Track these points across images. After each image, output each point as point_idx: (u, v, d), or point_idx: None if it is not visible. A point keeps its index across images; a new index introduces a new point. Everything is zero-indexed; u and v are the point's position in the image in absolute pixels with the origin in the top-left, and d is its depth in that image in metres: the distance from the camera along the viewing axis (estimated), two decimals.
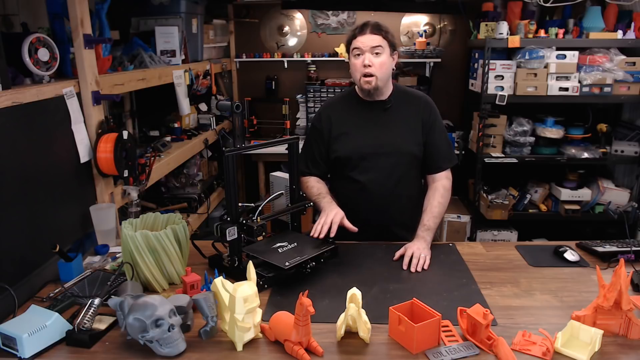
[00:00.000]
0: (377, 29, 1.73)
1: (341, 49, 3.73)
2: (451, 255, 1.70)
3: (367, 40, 1.72)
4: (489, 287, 1.47)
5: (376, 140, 1.81)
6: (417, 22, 3.84)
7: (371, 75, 1.73)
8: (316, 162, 1.89)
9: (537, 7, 3.20)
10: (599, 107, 3.35)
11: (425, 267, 1.60)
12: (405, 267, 1.60)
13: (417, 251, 1.63)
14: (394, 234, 1.85)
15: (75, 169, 1.73)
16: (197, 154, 3.01)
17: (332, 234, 1.62)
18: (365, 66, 1.72)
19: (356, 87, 1.87)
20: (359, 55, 1.74)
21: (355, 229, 1.68)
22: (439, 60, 3.70)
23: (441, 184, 1.84)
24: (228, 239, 1.47)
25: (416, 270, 1.58)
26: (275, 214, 1.68)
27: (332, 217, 1.65)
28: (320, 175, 1.90)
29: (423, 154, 1.86)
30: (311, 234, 1.62)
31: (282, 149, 1.67)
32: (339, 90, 3.58)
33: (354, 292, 1.18)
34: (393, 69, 1.81)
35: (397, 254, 1.67)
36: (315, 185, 1.85)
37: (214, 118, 3.22)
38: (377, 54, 1.73)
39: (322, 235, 1.60)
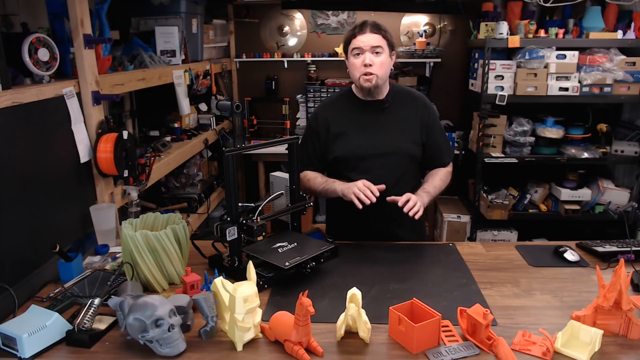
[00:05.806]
0: (377, 29, 1.73)
1: (341, 49, 3.72)
2: (451, 255, 1.70)
3: (367, 39, 1.71)
4: (489, 287, 1.47)
5: (374, 141, 1.80)
6: (417, 22, 3.83)
7: (371, 74, 1.72)
8: (310, 162, 1.88)
9: (537, 7, 3.19)
10: (599, 107, 3.34)
11: (417, 217, 1.63)
12: (401, 203, 1.62)
13: (415, 198, 1.65)
14: (394, 234, 1.84)
15: (75, 169, 1.73)
16: (197, 154, 3.01)
17: (377, 193, 1.62)
18: (365, 65, 1.71)
19: (353, 86, 1.87)
20: (358, 54, 1.73)
21: (383, 186, 1.67)
22: (439, 60, 3.70)
23: (444, 168, 1.91)
24: (228, 239, 1.47)
25: (408, 217, 1.61)
26: (275, 214, 1.68)
27: (362, 183, 1.65)
28: None
29: (426, 154, 1.87)
30: (361, 203, 1.61)
31: (282, 149, 1.67)
32: (339, 91, 3.57)
33: (354, 292, 1.18)
34: (391, 69, 1.80)
35: (392, 198, 1.66)
36: (316, 176, 1.85)
37: (214, 118, 3.22)
38: (377, 53, 1.72)
39: (373, 199, 1.61)
